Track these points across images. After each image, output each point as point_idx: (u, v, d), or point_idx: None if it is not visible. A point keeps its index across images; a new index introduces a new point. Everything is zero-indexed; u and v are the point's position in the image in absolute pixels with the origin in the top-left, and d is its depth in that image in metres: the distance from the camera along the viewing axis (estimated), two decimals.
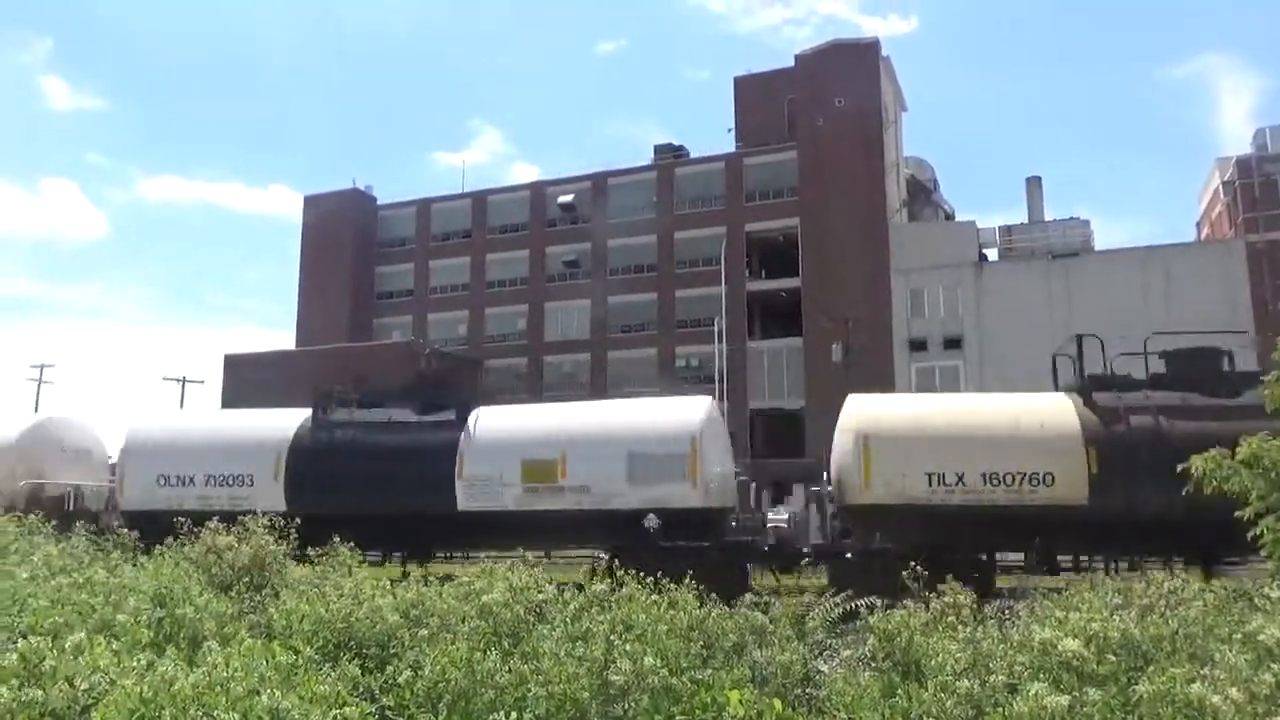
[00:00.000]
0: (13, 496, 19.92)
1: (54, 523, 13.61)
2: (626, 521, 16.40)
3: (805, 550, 16.90)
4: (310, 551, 9.92)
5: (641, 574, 8.08)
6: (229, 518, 17.79)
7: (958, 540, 15.03)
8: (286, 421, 19.21)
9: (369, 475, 17.90)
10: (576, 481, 16.90)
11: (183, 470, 18.77)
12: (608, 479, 16.77)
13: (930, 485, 15.26)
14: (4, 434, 21.68)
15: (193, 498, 18.30)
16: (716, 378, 47.85)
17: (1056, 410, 15.81)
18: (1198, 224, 56.08)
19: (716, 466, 17.65)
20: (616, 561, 14.73)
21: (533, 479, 17.07)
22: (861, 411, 16.68)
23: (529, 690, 5.35)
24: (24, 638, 5.15)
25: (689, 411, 17.69)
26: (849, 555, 15.68)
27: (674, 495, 16.49)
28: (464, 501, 17.36)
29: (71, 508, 21.45)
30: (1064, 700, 4.56)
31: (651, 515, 16.18)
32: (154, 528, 18.11)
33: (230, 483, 18.41)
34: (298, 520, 10.76)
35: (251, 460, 18.55)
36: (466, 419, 18.26)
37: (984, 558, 15.73)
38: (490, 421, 18.36)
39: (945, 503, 15.18)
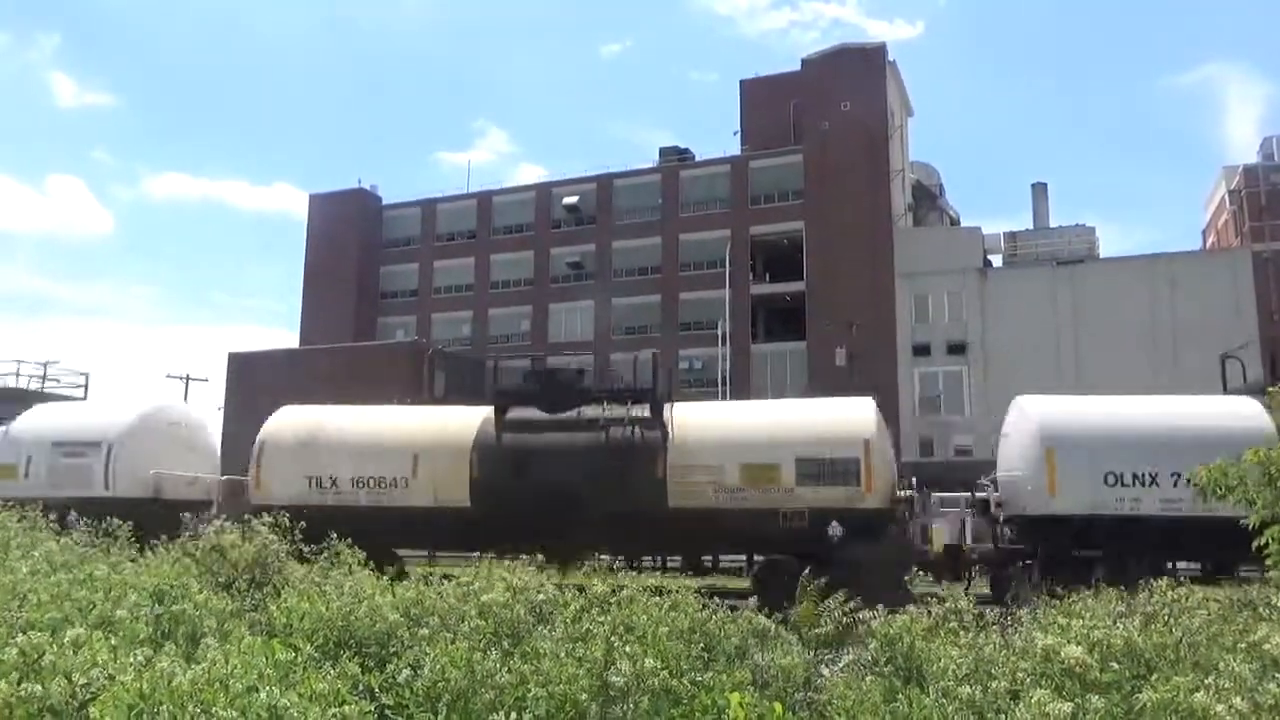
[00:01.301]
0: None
1: None
2: None
3: None
4: None
5: None
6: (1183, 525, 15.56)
7: None
8: (1245, 409, 16.66)
9: None
10: None
11: (1134, 466, 16.19)
12: None
13: None
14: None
15: (1156, 500, 15.95)
16: (720, 381, 47.84)
17: None
18: (1204, 232, 56.03)
19: None
20: None
21: None
22: None
23: (529, 690, 5.33)
24: (23, 633, 5.13)
25: None
26: None
27: None
28: None
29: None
30: (1066, 707, 4.52)
31: None
32: (1095, 539, 16.17)
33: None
34: None
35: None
36: None
37: None
38: None
39: None
